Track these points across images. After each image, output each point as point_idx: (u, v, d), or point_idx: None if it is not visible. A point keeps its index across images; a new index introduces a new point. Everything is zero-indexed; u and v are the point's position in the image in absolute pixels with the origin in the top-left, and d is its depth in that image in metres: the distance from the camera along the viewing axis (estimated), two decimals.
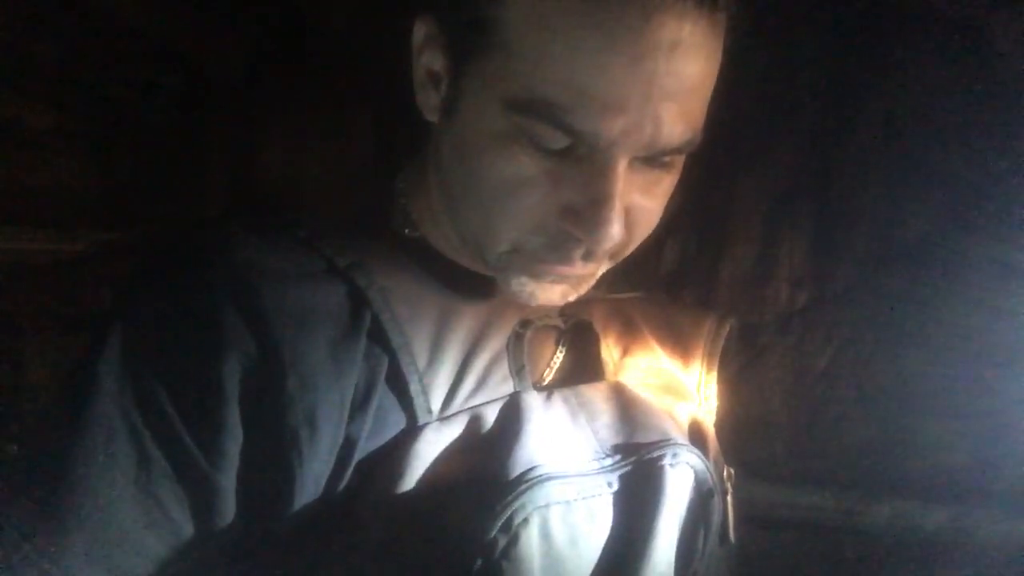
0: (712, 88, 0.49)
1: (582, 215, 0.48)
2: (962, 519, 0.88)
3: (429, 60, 0.51)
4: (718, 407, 0.70)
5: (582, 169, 0.47)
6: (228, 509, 0.48)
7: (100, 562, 0.45)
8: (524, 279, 0.54)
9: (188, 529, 0.47)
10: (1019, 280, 0.83)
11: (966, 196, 0.86)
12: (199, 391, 0.46)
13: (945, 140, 0.87)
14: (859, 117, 0.90)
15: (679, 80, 0.45)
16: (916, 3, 0.87)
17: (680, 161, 0.52)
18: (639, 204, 0.50)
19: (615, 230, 0.48)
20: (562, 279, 0.54)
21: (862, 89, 0.90)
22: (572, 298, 0.56)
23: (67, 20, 0.84)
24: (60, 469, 0.45)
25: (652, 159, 0.49)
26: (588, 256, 0.51)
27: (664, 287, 0.98)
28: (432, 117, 0.53)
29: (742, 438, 0.98)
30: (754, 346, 0.97)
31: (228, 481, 0.47)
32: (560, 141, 0.46)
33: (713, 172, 0.97)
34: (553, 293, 0.55)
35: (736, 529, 0.61)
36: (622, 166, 0.47)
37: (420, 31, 0.51)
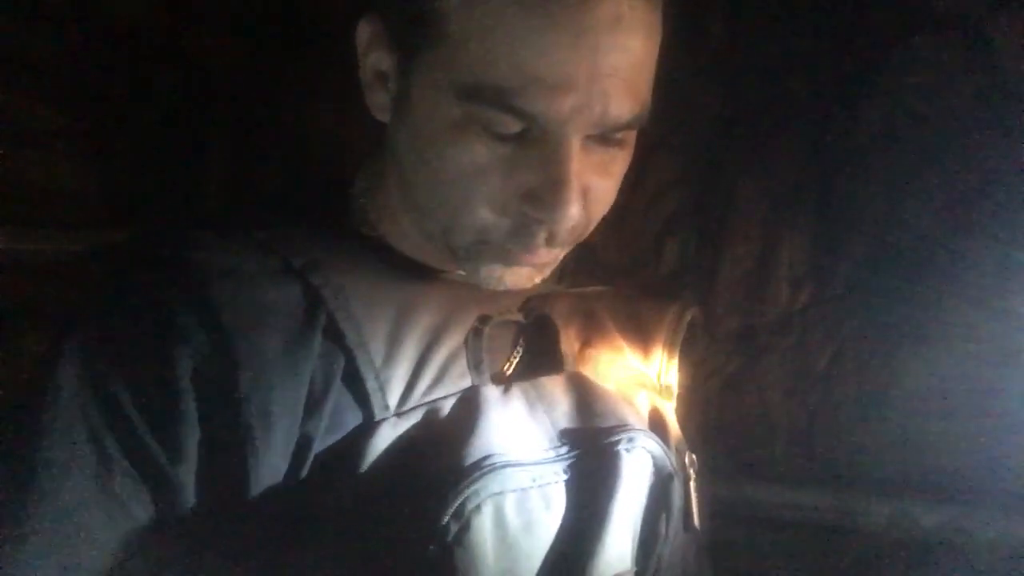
0: (655, 62, 0.50)
1: (542, 197, 0.49)
2: (962, 519, 0.88)
3: (376, 60, 0.51)
4: (684, 394, 0.70)
5: (537, 152, 0.48)
6: (189, 505, 0.48)
7: (62, 564, 0.45)
8: (494, 266, 0.55)
9: (151, 528, 0.48)
10: (1019, 280, 0.83)
11: (966, 196, 0.86)
12: (156, 389, 0.47)
13: (945, 140, 0.87)
14: (859, 117, 0.90)
15: (623, 55, 0.46)
16: (916, 3, 0.87)
17: (632, 137, 0.53)
18: (595, 183, 0.51)
19: (574, 210, 0.49)
20: (529, 263, 0.55)
21: (862, 89, 0.90)
22: (538, 280, 0.58)
23: (67, 20, 0.84)
24: (21, 473, 0.45)
25: (604, 137, 0.50)
26: (551, 240, 0.52)
27: (663, 288, 0.98)
28: (383, 117, 0.53)
29: (742, 438, 0.99)
30: (754, 346, 0.97)
31: (188, 477, 0.48)
32: (513, 125, 0.47)
33: (713, 172, 0.97)
34: (520, 276, 0.56)
35: (702, 515, 0.61)
36: (575, 146, 0.48)
37: (365, 31, 0.51)
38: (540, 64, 0.44)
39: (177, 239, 0.52)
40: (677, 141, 0.97)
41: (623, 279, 0.71)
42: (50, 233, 0.86)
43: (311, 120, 0.97)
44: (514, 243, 0.52)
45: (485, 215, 0.51)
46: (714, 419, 1.00)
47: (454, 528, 0.47)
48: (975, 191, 0.86)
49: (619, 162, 0.53)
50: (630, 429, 0.56)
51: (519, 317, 0.64)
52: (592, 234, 0.57)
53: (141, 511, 0.47)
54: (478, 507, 0.48)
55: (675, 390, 0.68)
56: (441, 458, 0.50)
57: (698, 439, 0.76)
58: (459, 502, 0.47)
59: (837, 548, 0.95)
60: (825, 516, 0.94)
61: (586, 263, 0.73)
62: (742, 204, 0.96)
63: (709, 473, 0.72)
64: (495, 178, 0.49)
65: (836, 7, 0.89)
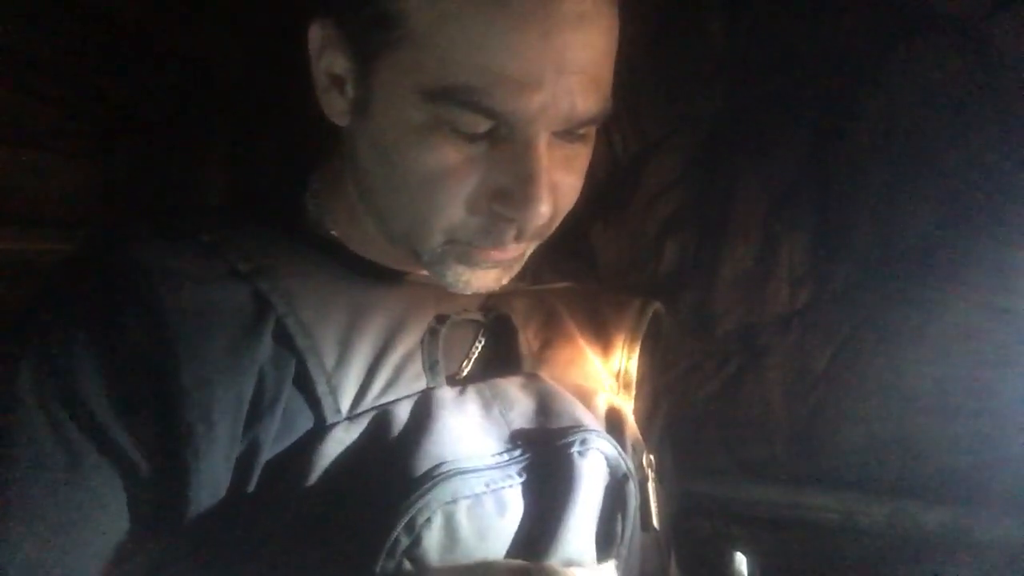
0: (615, 56, 0.50)
1: (512, 195, 0.49)
2: (962, 519, 0.88)
3: (329, 63, 0.51)
4: (647, 393, 0.70)
5: (505, 150, 0.48)
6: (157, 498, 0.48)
7: (39, 564, 0.45)
8: (460, 268, 0.54)
9: (124, 520, 0.47)
10: (1019, 280, 0.83)
11: (966, 196, 0.86)
12: (109, 382, 0.47)
13: (945, 140, 0.86)
14: (859, 117, 0.90)
15: (588, 51, 0.46)
16: (916, 3, 0.87)
17: (593, 132, 0.53)
18: (561, 179, 0.52)
19: (545, 207, 0.49)
20: (496, 264, 0.55)
21: (862, 89, 0.90)
22: (506, 281, 0.58)
23: (67, 20, 0.84)
24: None
25: (569, 133, 0.50)
26: (519, 236, 0.53)
27: (663, 287, 0.98)
28: (340, 121, 0.53)
29: (742, 438, 0.99)
30: (754, 346, 0.97)
31: (152, 466, 0.48)
32: (481, 125, 0.47)
33: (713, 172, 0.97)
34: (488, 279, 0.56)
35: (661, 514, 0.61)
36: (544, 142, 0.48)
37: (316, 34, 0.50)
38: (508, 63, 0.44)
39: (123, 241, 0.52)
40: (677, 141, 0.97)
41: (622, 279, 0.71)
42: (50, 233, 0.86)
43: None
44: (483, 240, 0.52)
45: (454, 215, 0.51)
46: (714, 419, 1.00)
47: (404, 542, 0.46)
48: (975, 191, 0.86)
49: (582, 157, 0.53)
50: (584, 430, 0.55)
51: (478, 316, 0.64)
52: (554, 232, 0.57)
53: (114, 503, 0.47)
54: (428, 520, 0.47)
55: (634, 388, 0.67)
56: (393, 466, 0.50)
57: (698, 440, 0.76)
58: (409, 515, 0.46)
59: (837, 548, 0.95)
60: (825, 516, 0.94)
61: (547, 259, 0.72)
62: (742, 204, 0.96)
63: (709, 473, 0.73)
64: (464, 178, 0.49)
65: (836, 7, 0.89)
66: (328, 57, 0.51)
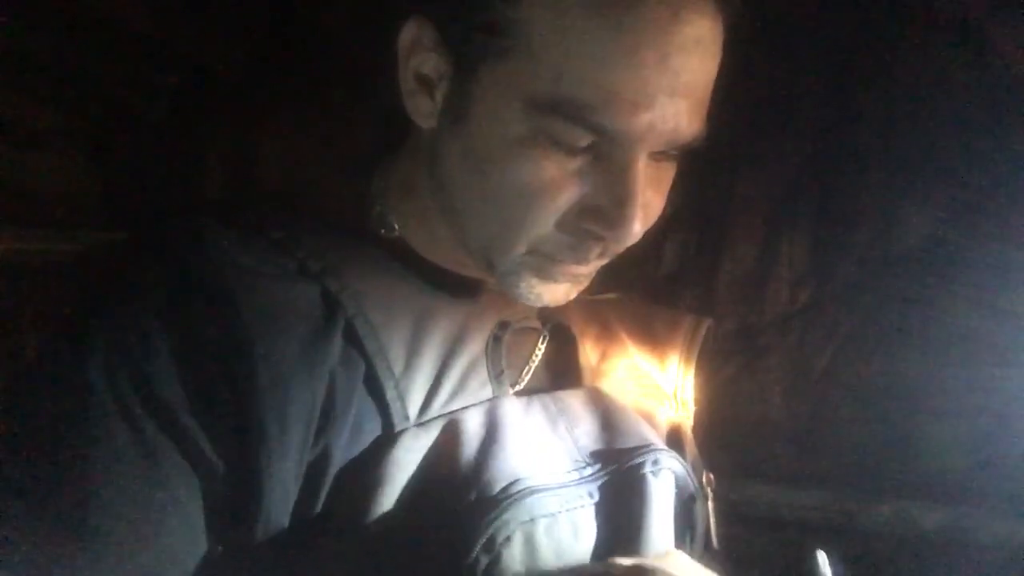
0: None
1: (606, 214, 0.48)
2: (962, 519, 0.88)
3: (419, 63, 0.50)
4: (699, 409, 0.70)
5: (603, 167, 0.47)
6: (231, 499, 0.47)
7: (117, 567, 0.43)
8: (535, 281, 0.53)
9: (200, 521, 0.46)
10: (1019, 280, 0.83)
11: (966, 196, 0.86)
12: (187, 376, 0.45)
13: (945, 140, 0.86)
14: (859, 117, 0.90)
15: (699, 75, 0.46)
16: (916, 3, 0.87)
17: (681, 153, 0.52)
18: (650, 198, 0.51)
19: (638, 227, 0.48)
20: (571, 278, 0.54)
21: (862, 89, 0.90)
22: (574, 295, 0.56)
23: (67, 20, 0.84)
24: (66, 475, 0.43)
25: (663, 153, 0.49)
26: (603, 253, 0.52)
27: (664, 287, 0.98)
28: (426, 123, 0.52)
29: (742, 438, 0.99)
30: (754, 346, 0.97)
31: (228, 470, 0.46)
32: (583, 139, 0.46)
33: (713, 172, 0.97)
34: (558, 292, 0.55)
35: (719, 535, 0.61)
36: (643, 162, 0.47)
37: (409, 33, 0.49)
38: (624, 81, 0.44)
39: (194, 231, 0.50)
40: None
41: (622, 280, 0.70)
42: (50, 233, 0.86)
43: (310, 121, 0.97)
44: (567, 255, 0.51)
45: (542, 229, 0.49)
46: (714, 419, 1.00)
47: (484, 561, 0.45)
48: (975, 191, 0.86)
49: (670, 177, 0.53)
50: (654, 449, 0.55)
51: (538, 324, 0.62)
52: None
53: (193, 503, 0.45)
54: (508, 538, 0.46)
55: (692, 406, 0.67)
56: (467, 479, 0.48)
57: (698, 440, 0.75)
58: (489, 534, 0.46)
59: (837, 548, 0.95)
60: (825, 516, 0.94)
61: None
62: (742, 204, 0.96)
63: (704, 453, 0.72)
64: (558, 193, 0.48)
65: (836, 7, 0.89)
66: (420, 57, 0.49)
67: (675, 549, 0.53)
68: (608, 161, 0.47)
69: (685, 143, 0.48)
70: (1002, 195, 0.84)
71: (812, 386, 0.95)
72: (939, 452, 0.89)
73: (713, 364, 0.98)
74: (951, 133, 0.86)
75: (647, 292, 0.75)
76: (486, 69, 0.47)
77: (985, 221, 0.85)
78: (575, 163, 0.47)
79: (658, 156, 0.49)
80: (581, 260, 0.52)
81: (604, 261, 0.55)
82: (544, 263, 0.52)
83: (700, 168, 0.97)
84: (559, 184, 0.48)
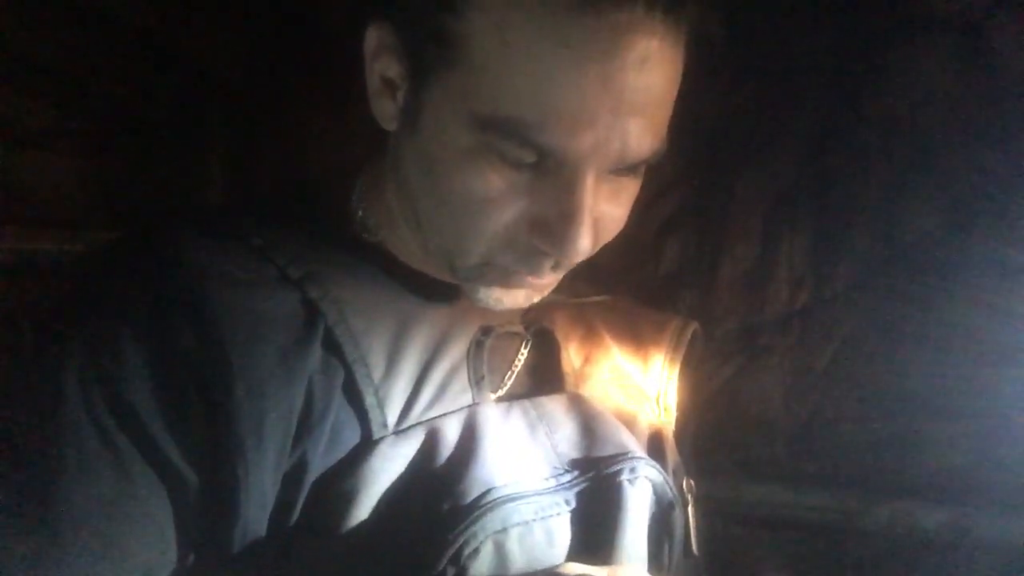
0: (674, 98, 0.49)
1: (552, 230, 0.47)
2: (962, 519, 0.88)
3: (384, 67, 0.50)
4: (685, 413, 0.69)
5: (550, 183, 0.47)
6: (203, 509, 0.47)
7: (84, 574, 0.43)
8: (494, 287, 0.54)
9: (170, 532, 0.46)
10: (1019, 280, 0.83)
11: (966, 196, 0.86)
12: (160, 388, 0.45)
13: (945, 140, 0.87)
14: (859, 117, 0.90)
15: (647, 94, 0.45)
16: (916, 3, 0.87)
17: (643, 167, 0.52)
18: (606, 211, 0.50)
19: (585, 243, 0.47)
20: (529, 286, 0.54)
21: (862, 89, 0.90)
22: (536, 299, 0.57)
23: (67, 20, 0.84)
24: (35, 483, 0.43)
25: (618, 168, 0.48)
26: (556, 267, 0.52)
27: (664, 287, 0.98)
28: (389, 126, 0.52)
29: (742, 438, 0.99)
30: (754, 346, 0.97)
31: (202, 481, 0.46)
32: (529, 156, 0.46)
33: (713, 172, 0.97)
34: (518, 297, 0.55)
35: (699, 541, 0.60)
36: (591, 179, 0.46)
37: (373, 37, 0.49)
38: (565, 100, 0.43)
39: (173, 239, 0.50)
40: (677, 141, 0.97)
41: (622, 280, 0.70)
42: (50, 233, 0.86)
43: (310, 121, 0.97)
44: (520, 266, 0.51)
45: (492, 241, 0.49)
46: (714, 419, 1.00)
47: (451, 573, 0.45)
48: (975, 191, 0.86)
49: (631, 190, 0.52)
50: (632, 457, 0.55)
51: (520, 329, 0.63)
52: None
53: (162, 514, 0.45)
54: (476, 550, 0.46)
55: (674, 411, 0.67)
56: (442, 488, 0.48)
57: (698, 440, 0.75)
58: (457, 545, 0.46)
59: (837, 548, 0.95)
60: (825, 516, 0.94)
61: (582, 269, 0.72)
62: (742, 204, 0.96)
63: (709, 473, 0.72)
64: (505, 206, 0.48)
65: (836, 7, 0.89)
66: (383, 61, 0.50)
67: (634, 564, 0.53)
68: (555, 178, 0.46)
69: (637, 160, 0.48)
70: (1002, 195, 0.84)
71: (812, 386, 0.95)
72: (940, 452, 0.89)
73: (712, 364, 0.99)
74: (951, 133, 0.86)
75: (647, 292, 0.75)
76: (435, 79, 0.46)
77: (985, 221, 0.85)
78: (522, 177, 0.47)
79: (617, 171, 0.49)
80: (535, 273, 0.52)
81: (561, 274, 0.55)
82: (501, 274, 0.52)
83: (700, 168, 0.97)
84: (506, 197, 0.47)
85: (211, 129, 0.98)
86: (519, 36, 0.42)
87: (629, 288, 0.75)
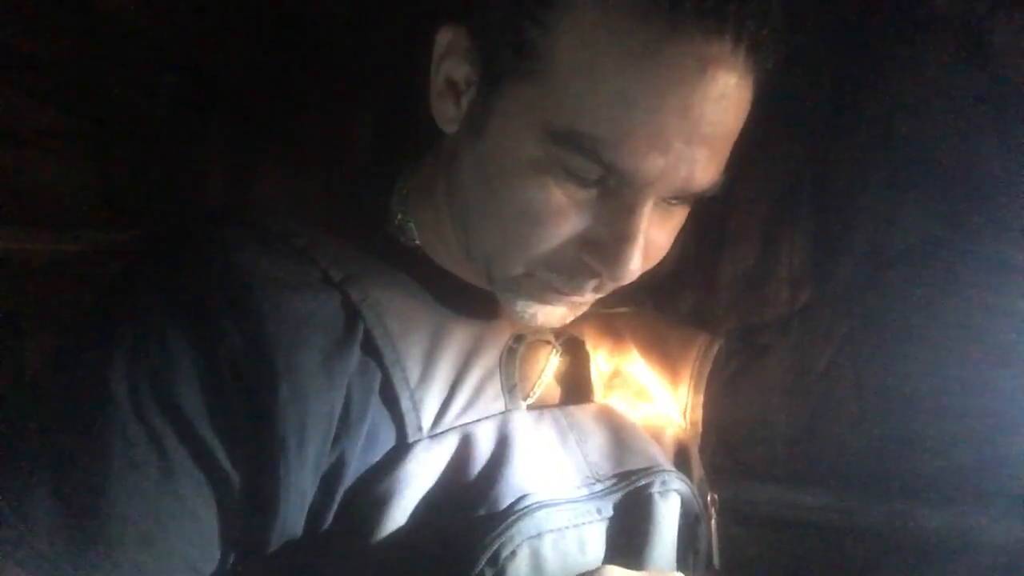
0: (737, 136, 0.50)
1: (605, 250, 0.48)
2: (962, 519, 0.88)
3: (451, 68, 0.50)
4: (704, 425, 0.70)
5: (611, 203, 0.47)
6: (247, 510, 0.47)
7: (127, 571, 0.43)
8: (530, 301, 0.54)
9: (213, 531, 0.46)
10: (1019, 280, 0.83)
11: (966, 196, 0.86)
12: (207, 388, 0.45)
13: (945, 140, 0.86)
14: (859, 117, 0.90)
15: (720, 127, 0.46)
16: (916, 3, 0.87)
17: (694, 199, 0.52)
18: (654, 239, 0.51)
19: (635, 267, 0.48)
20: (567, 304, 0.55)
21: (862, 89, 0.90)
22: (570, 320, 0.57)
23: (67, 20, 0.84)
24: (80, 480, 0.43)
25: (675, 198, 0.50)
26: (599, 287, 0.52)
27: (662, 288, 0.98)
28: (449, 128, 0.52)
29: (742, 438, 0.99)
30: (754, 346, 0.97)
31: (244, 481, 0.46)
32: (594, 173, 0.46)
33: None
34: (554, 316, 0.55)
35: (720, 555, 0.61)
36: (651, 204, 0.47)
37: (445, 38, 0.50)
38: (643, 123, 0.44)
39: (219, 239, 0.50)
40: None
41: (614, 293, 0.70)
42: (50, 233, 0.86)
43: (310, 122, 0.97)
44: (562, 283, 0.52)
45: (541, 254, 0.50)
46: (714, 419, 1.00)
47: (489, 575, 0.46)
48: (975, 191, 0.86)
49: (679, 220, 0.53)
50: (662, 471, 0.55)
51: (550, 337, 0.63)
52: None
53: (206, 514, 0.46)
54: (513, 553, 0.46)
55: (700, 427, 0.67)
56: (476, 494, 0.49)
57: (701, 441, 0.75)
58: (494, 548, 0.46)
59: (837, 548, 0.95)
60: (825, 516, 0.94)
61: None
62: (742, 204, 0.96)
63: (709, 473, 0.72)
64: (562, 221, 0.48)
65: (836, 7, 0.89)
66: (451, 62, 0.50)
67: (668, 573, 0.53)
68: (616, 198, 0.47)
69: (698, 190, 0.48)
70: (1002, 195, 0.84)
71: (812, 386, 0.95)
72: (939, 452, 0.89)
73: (710, 379, 0.98)
74: (951, 133, 0.86)
75: (647, 292, 0.75)
76: (510, 87, 0.47)
77: (985, 221, 0.85)
78: (583, 194, 0.47)
79: (670, 200, 0.50)
80: (576, 291, 0.52)
81: (601, 295, 0.55)
82: (540, 287, 0.53)
83: None
84: (564, 212, 0.48)
85: (211, 129, 0.98)
86: (606, 57, 0.43)
87: (629, 288, 0.75)
